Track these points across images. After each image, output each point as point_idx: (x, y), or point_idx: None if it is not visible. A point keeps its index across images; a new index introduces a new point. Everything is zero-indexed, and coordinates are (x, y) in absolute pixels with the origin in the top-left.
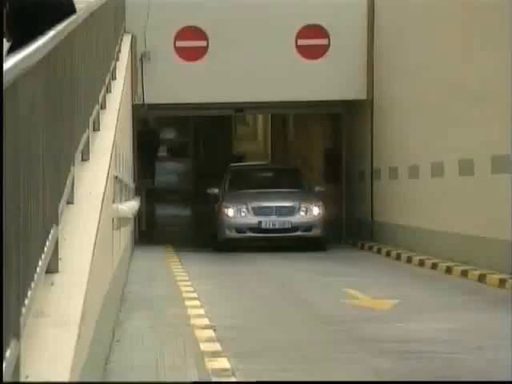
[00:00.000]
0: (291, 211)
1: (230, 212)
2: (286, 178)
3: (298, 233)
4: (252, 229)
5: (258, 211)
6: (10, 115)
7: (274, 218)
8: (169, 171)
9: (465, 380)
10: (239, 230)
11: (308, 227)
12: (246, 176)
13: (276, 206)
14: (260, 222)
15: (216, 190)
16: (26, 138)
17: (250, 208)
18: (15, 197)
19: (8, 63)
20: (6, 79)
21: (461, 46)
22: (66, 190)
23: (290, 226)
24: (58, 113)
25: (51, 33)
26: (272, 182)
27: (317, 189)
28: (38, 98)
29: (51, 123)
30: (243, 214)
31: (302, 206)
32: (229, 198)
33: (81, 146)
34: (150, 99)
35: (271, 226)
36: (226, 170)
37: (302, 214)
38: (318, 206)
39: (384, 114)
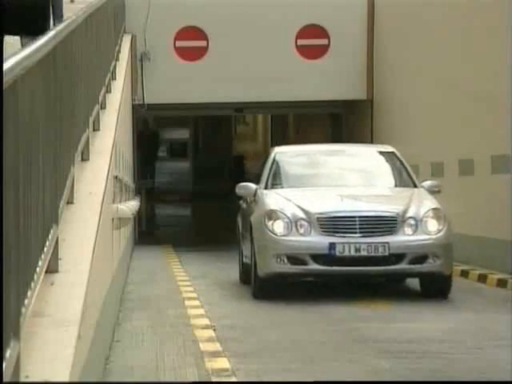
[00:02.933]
0: (389, 226)
1: (279, 226)
2: (375, 167)
3: (403, 265)
4: (318, 257)
5: (328, 226)
6: (10, 115)
7: (357, 238)
8: (169, 171)
9: (465, 380)
10: (295, 258)
11: (420, 255)
12: (302, 165)
13: (361, 217)
14: (333, 246)
15: (252, 188)
16: (26, 138)
17: (313, 219)
18: (15, 197)
19: (8, 63)
20: (6, 79)
21: (461, 45)
22: (66, 190)
23: (386, 252)
24: (58, 113)
25: (51, 32)
26: (351, 175)
27: (427, 184)
28: (37, 98)
29: (51, 123)
30: (302, 231)
31: (409, 216)
32: (275, 201)
33: (81, 146)
34: (149, 99)
35: (353, 252)
36: (268, 154)
37: (409, 231)
38: (438, 217)
39: (384, 114)
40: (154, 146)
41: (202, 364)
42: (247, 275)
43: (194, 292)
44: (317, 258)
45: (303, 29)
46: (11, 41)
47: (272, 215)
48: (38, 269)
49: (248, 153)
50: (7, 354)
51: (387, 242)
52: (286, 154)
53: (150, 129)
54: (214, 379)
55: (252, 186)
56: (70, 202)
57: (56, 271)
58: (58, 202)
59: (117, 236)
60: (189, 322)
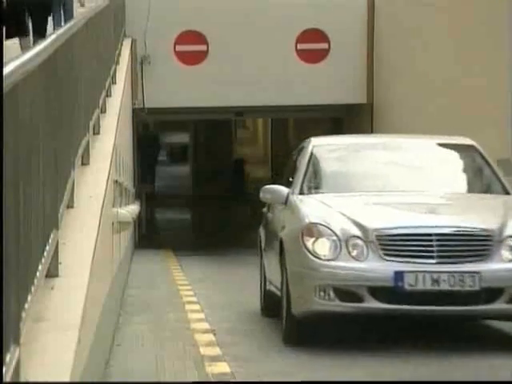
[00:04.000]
0: (480, 249)
1: (323, 247)
2: (448, 165)
3: (500, 305)
4: (379, 291)
5: (393, 247)
6: (10, 120)
7: (434, 265)
8: (169, 175)
9: (465, 380)
10: (346, 292)
11: None
12: (350, 163)
13: (440, 235)
14: (400, 276)
15: (282, 193)
16: (27, 143)
17: (372, 238)
18: (15, 201)
19: (8, 67)
20: (6, 83)
21: (462, 50)
22: (66, 194)
23: (476, 286)
24: (58, 117)
25: (52, 36)
26: (416, 176)
27: None
28: (38, 102)
29: (51, 128)
30: (356, 254)
31: (509, 235)
32: (316, 211)
33: (81, 151)
34: (150, 103)
35: (429, 285)
36: (302, 149)
37: (508, 255)
38: None
39: (384, 118)
40: (155, 149)
41: (202, 368)
42: (272, 306)
43: (194, 296)
44: (377, 292)
45: (303, 33)
46: (15, 46)
47: (313, 231)
48: (38, 273)
49: (248, 156)
50: (7, 358)
51: (477, 272)
52: (327, 148)
53: (150, 132)
54: None
55: (282, 189)
56: (70, 205)
57: (56, 275)
58: (59, 207)
59: (117, 240)
60: (189, 326)
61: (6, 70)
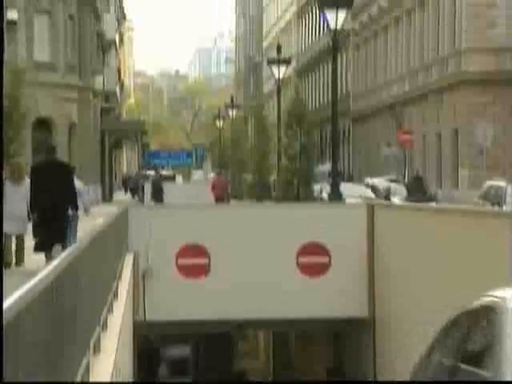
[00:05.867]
0: None
1: None
2: None
3: None
4: None
5: None
6: (11, 349)
7: None
8: None
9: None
10: None
11: None
12: None
13: None
14: None
15: None
16: (26, 368)
17: None
18: None
19: (11, 299)
20: (7, 317)
21: (461, 260)
22: None
23: None
24: (59, 341)
25: (54, 263)
26: None
27: None
28: (38, 326)
29: (51, 352)
30: None
31: None
32: None
33: (81, 372)
34: (151, 316)
35: None
36: (483, 316)
37: None
38: None
39: (386, 332)
40: (154, 363)
41: None
42: None
43: None
44: None
45: (304, 246)
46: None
47: None
48: None
49: (249, 369)
50: None
51: None
52: None
53: (150, 345)
54: None
55: None
56: None
57: None
58: None
59: None
60: None
61: (8, 302)
